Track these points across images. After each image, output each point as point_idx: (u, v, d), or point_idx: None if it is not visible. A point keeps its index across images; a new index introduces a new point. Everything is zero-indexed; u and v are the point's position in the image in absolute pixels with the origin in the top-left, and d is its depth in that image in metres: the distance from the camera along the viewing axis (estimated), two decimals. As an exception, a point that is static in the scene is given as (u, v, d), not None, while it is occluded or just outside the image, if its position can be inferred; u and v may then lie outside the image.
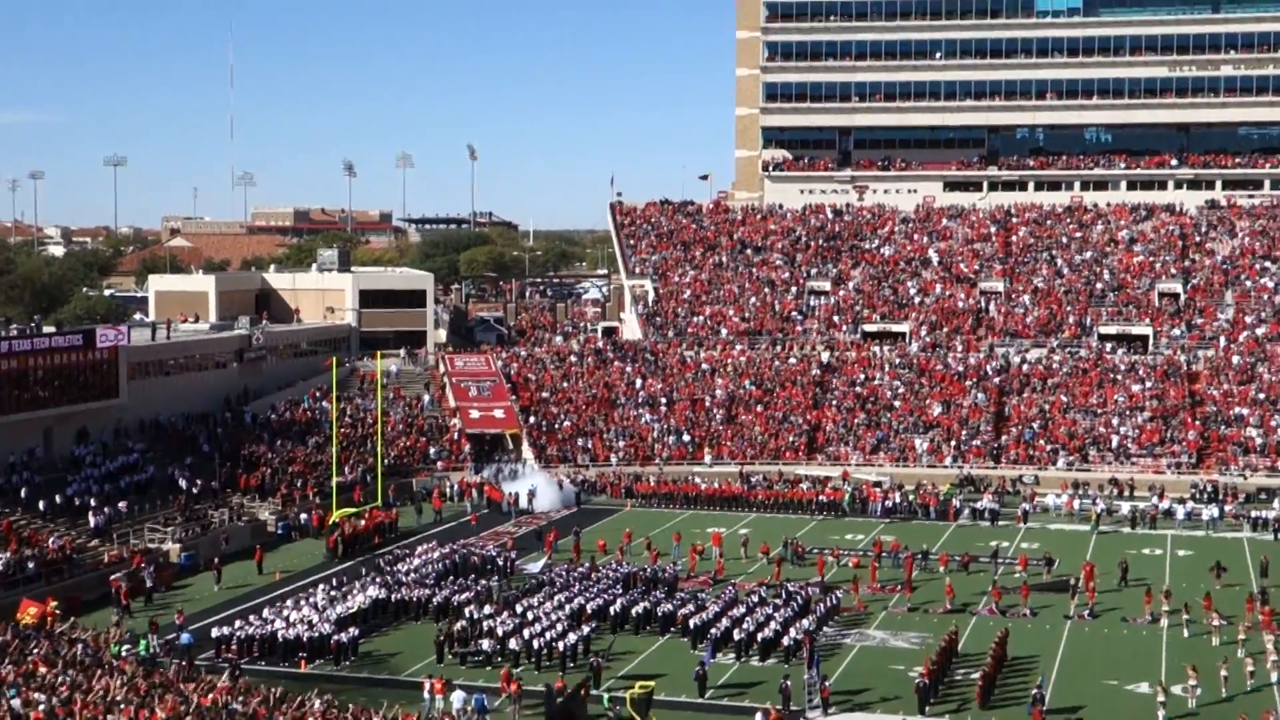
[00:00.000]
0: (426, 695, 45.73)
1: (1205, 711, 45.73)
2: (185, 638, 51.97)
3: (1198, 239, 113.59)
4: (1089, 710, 46.09)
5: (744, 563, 68.13)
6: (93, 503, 69.50)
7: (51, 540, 63.64)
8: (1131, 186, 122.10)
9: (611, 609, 56.78)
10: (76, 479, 71.93)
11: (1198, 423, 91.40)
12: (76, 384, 75.38)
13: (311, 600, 57.33)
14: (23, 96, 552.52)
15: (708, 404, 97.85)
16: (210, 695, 40.23)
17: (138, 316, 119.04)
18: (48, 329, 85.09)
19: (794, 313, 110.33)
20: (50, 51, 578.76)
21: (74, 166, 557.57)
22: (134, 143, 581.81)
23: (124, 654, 47.78)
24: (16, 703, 36.91)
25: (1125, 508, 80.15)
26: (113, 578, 60.97)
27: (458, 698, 45.15)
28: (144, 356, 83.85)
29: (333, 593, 58.70)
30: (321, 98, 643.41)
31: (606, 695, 45.87)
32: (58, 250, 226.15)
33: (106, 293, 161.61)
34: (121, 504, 70.55)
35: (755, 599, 57.92)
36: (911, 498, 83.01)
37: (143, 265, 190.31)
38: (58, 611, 53.08)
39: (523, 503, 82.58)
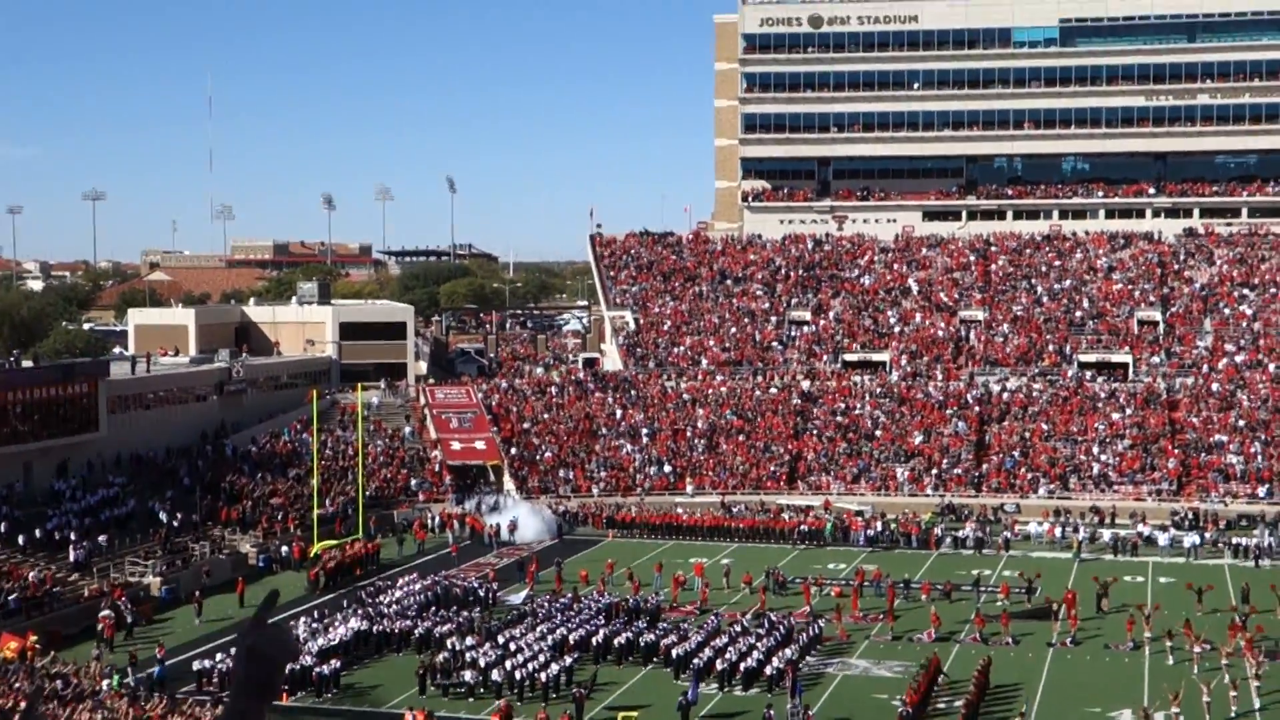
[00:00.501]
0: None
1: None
2: (157, 671, 51.77)
3: (1176, 267, 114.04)
4: (1072, 737, 46.09)
5: (726, 593, 68.08)
6: (73, 536, 69.22)
7: (31, 574, 63.35)
8: (1110, 215, 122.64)
9: (594, 640, 56.71)
10: (56, 513, 71.64)
11: (1178, 450, 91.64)
12: (56, 418, 75.21)
13: (293, 632, 56.99)
14: None
15: (689, 434, 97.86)
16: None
17: (117, 350, 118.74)
18: (26, 363, 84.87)
19: (774, 343, 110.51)
20: (26, 86, 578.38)
21: (52, 201, 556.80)
22: (112, 177, 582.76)
23: (107, 688, 47.54)
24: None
25: (1106, 535, 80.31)
26: (101, 615, 60.54)
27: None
28: (124, 390, 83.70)
29: (314, 625, 58.53)
30: (300, 131, 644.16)
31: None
32: (36, 284, 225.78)
33: (86, 327, 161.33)
34: (102, 538, 70.29)
35: (738, 629, 57.87)
36: (893, 527, 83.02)
37: (122, 299, 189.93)
38: (38, 646, 52.88)
39: (504, 534, 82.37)
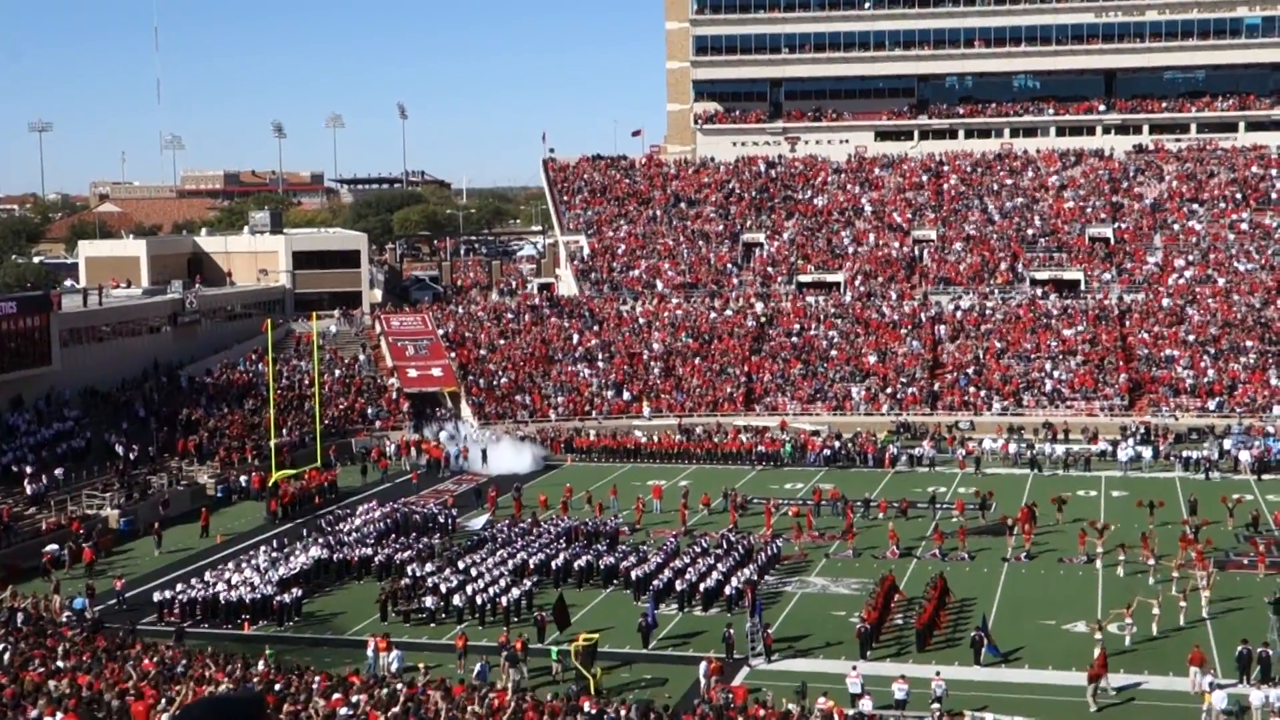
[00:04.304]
0: (370, 653, 45.83)
1: (1140, 648, 46.55)
2: (78, 602, 51.65)
3: (1126, 183, 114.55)
4: (1027, 650, 46.77)
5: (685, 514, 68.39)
6: (29, 470, 69.06)
7: (-12, 509, 63.18)
8: (1060, 132, 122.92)
9: (554, 563, 57.09)
10: (11, 447, 71.40)
11: (1129, 366, 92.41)
12: (8, 352, 74.79)
13: (253, 562, 57.25)
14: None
15: (645, 358, 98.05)
16: (153, 659, 40.18)
17: (69, 283, 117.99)
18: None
19: (729, 265, 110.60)
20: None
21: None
22: (59, 108, 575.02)
23: (65, 620, 47.64)
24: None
25: (1059, 450, 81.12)
26: (44, 550, 60.34)
27: (395, 657, 45.03)
28: (76, 323, 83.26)
29: (274, 554, 58.66)
30: (249, 58, 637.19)
31: (554, 648, 46.14)
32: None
33: (36, 260, 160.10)
34: (58, 471, 70.10)
35: (698, 549, 58.27)
36: (850, 446, 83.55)
37: (72, 231, 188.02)
38: (-3, 580, 52.90)
39: (477, 465, 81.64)
